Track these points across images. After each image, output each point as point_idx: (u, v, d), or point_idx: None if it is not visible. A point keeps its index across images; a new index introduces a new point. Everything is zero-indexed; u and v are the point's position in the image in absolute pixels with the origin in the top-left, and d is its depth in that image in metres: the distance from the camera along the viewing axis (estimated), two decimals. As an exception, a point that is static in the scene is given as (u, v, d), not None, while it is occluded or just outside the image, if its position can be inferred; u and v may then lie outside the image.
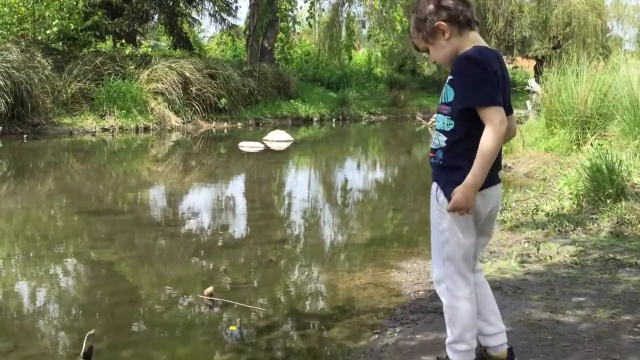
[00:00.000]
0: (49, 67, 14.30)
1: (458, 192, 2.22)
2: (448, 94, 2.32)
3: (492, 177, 2.32)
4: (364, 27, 30.09)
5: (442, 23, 2.30)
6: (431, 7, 2.31)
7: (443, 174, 2.35)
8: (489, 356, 2.49)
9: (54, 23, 16.33)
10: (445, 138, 2.33)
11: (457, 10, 2.29)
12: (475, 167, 2.19)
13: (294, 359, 2.95)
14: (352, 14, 24.78)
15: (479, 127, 2.21)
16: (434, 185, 2.41)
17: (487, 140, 2.18)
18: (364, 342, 3.04)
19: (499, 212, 5.62)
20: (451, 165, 2.31)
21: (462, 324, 2.38)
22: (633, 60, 14.18)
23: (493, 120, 2.18)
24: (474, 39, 2.32)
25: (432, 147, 2.40)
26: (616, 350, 2.69)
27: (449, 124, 2.31)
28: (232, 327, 3.32)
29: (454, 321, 2.39)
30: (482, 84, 2.21)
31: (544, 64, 17.15)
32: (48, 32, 16.52)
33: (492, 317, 2.49)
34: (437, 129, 2.39)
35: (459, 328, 2.38)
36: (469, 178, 2.20)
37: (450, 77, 2.32)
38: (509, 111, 2.36)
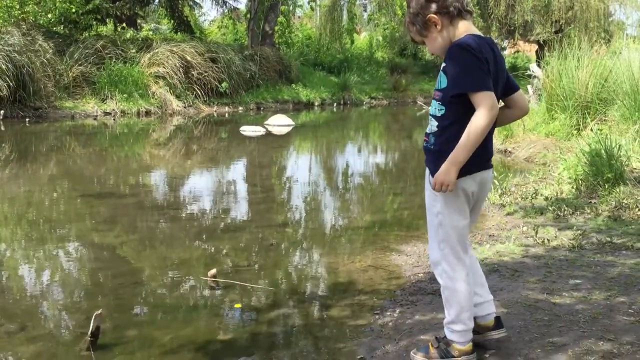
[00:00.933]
0: (51, 51, 14.31)
1: (441, 167, 2.31)
2: (441, 80, 2.39)
3: (484, 163, 2.44)
4: (365, 10, 29.92)
5: (433, 15, 2.37)
6: (422, 0, 2.38)
7: (434, 158, 2.42)
8: (477, 325, 2.58)
9: (55, 6, 16.30)
10: (436, 123, 2.41)
11: (446, 1, 2.35)
12: (460, 145, 2.27)
13: (296, 337, 3.02)
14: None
15: (469, 112, 2.28)
16: (427, 169, 2.50)
17: (477, 121, 2.24)
18: (364, 321, 3.11)
19: (499, 197, 5.72)
20: (441, 149, 2.37)
21: (459, 305, 2.45)
22: (635, 45, 14.15)
23: (484, 104, 2.24)
24: (466, 28, 2.38)
25: (426, 131, 2.48)
26: (610, 330, 2.75)
27: (440, 109, 2.39)
28: (237, 305, 3.41)
29: (451, 302, 2.47)
30: (473, 70, 2.27)
31: (546, 48, 17.11)
32: (49, 15, 16.50)
33: (479, 288, 2.59)
34: (430, 114, 2.47)
35: (456, 309, 2.45)
36: (452, 154, 2.29)
37: (443, 64, 2.39)
38: (514, 89, 2.50)
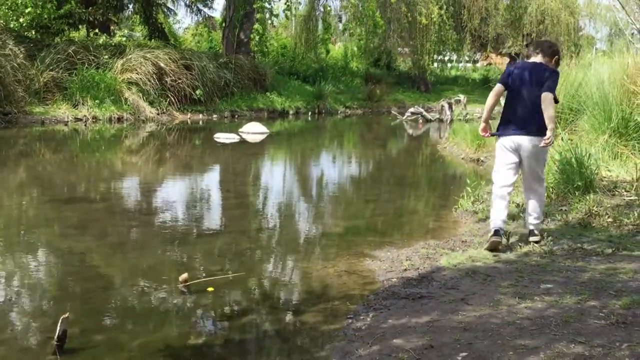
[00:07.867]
0: (21, 56, 14.05)
1: None
2: None
3: (510, 129, 4.49)
4: (340, 21, 30.06)
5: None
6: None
7: None
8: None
9: (26, 11, 16.06)
10: None
11: (528, 50, 4.85)
12: None
13: (269, 342, 2.98)
14: (329, 7, 24.73)
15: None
16: None
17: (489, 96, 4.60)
18: (338, 326, 3.09)
19: (471, 204, 5.75)
20: None
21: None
22: (604, 59, 14.40)
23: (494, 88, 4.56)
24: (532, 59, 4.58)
25: None
26: (582, 333, 2.77)
27: None
28: (210, 289, 3.50)
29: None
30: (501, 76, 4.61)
31: (517, 61, 17.33)
32: (21, 20, 16.23)
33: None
34: None
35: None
36: None
37: None
38: (542, 91, 4.37)
